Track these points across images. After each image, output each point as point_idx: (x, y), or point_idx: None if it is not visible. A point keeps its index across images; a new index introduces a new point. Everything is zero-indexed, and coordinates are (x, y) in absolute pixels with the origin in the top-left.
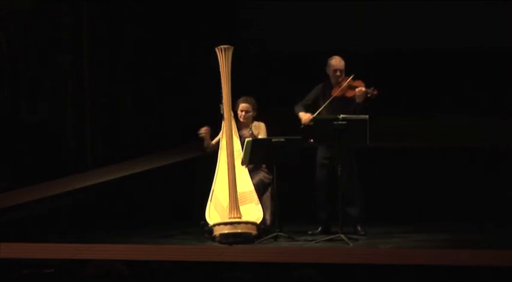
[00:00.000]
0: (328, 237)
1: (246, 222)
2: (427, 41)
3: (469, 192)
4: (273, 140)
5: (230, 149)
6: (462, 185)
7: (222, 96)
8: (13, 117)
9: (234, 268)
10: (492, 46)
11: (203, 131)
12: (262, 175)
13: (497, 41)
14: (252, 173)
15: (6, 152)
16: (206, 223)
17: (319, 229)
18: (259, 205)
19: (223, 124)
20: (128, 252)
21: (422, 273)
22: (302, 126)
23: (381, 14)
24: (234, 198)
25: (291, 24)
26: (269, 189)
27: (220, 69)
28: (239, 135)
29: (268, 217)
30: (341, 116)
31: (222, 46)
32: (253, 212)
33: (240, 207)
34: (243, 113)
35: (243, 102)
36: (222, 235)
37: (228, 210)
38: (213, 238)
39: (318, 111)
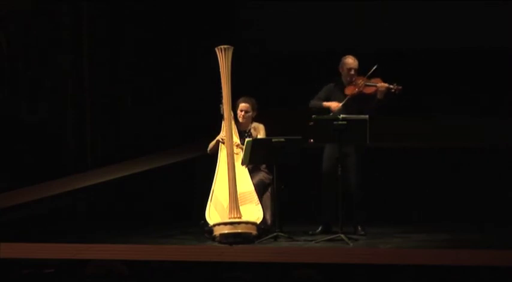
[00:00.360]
0: (328, 237)
1: (246, 222)
2: (427, 41)
3: (469, 192)
4: (273, 140)
5: (230, 149)
6: (462, 185)
7: (222, 96)
8: (13, 117)
9: (234, 268)
10: (492, 46)
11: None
12: (262, 175)
13: (497, 41)
14: (252, 173)
15: (6, 152)
16: (206, 223)
17: (320, 229)
18: (259, 205)
19: (223, 124)
20: (128, 252)
21: (422, 273)
22: (314, 116)
23: (381, 14)
24: (234, 198)
25: (291, 24)
26: (269, 189)
27: (220, 69)
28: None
29: (268, 217)
30: (341, 116)
31: (222, 46)
32: (253, 212)
33: (240, 207)
34: (243, 112)
35: (243, 102)
36: (222, 235)
37: (228, 210)
38: (213, 238)
39: (344, 100)
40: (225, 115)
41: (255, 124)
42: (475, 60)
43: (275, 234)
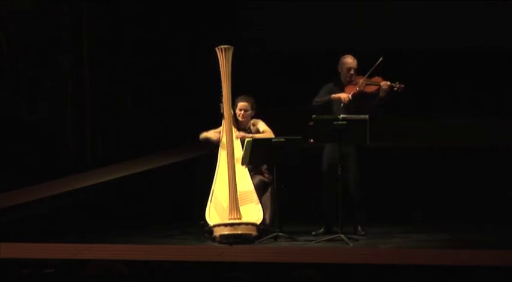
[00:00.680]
0: (328, 237)
1: (246, 223)
2: (427, 41)
3: (469, 192)
4: (273, 140)
5: (230, 148)
6: (462, 185)
7: (222, 96)
8: (13, 117)
9: (234, 268)
10: (492, 46)
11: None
12: (261, 176)
13: (497, 41)
14: (252, 173)
15: (6, 152)
16: (206, 223)
17: (322, 230)
18: (259, 205)
19: (223, 123)
20: (128, 252)
21: (422, 273)
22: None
23: (381, 14)
24: (234, 198)
25: (291, 24)
26: (269, 189)
27: (221, 69)
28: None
29: (268, 217)
30: (341, 116)
31: (222, 46)
32: (253, 212)
33: (240, 208)
34: (242, 111)
35: (242, 101)
36: (222, 236)
37: (228, 211)
38: (213, 238)
39: (353, 91)
40: (225, 115)
41: (253, 120)
42: (475, 60)
43: (275, 234)
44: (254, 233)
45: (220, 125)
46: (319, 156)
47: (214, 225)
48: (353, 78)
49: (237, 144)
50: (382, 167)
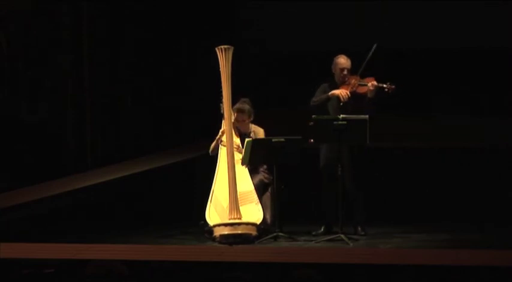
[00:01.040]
0: (328, 237)
1: (246, 223)
2: (427, 41)
3: (469, 192)
4: (273, 140)
5: (230, 148)
6: (462, 185)
7: (222, 96)
8: (13, 117)
9: (234, 268)
10: (492, 46)
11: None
12: (262, 175)
13: (497, 41)
14: (252, 173)
15: (6, 152)
16: (206, 223)
17: (322, 230)
18: (259, 205)
19: (223, 123)
20: (128, 252)
21: (422, 273)
22: (314, 116)
23: (381, 14)
24: (234, 198)
25: (291, 24)
26: (269, 189)
27: (221, 69)
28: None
29: (268, 217)
30: (341, 116)
31: (222, 46)
32: (253, 212)
33: (240, 208)
34: (239, 122)
35: (238, 112)
36: (222, 236)
37: (228, 211)
38: (213, 238)
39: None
40: (225, 115)
41: (255, 128)
42: (475, 60)
43: (275, 234)
44: (254, 232)
45: (220, 125)
46: (319, 156)
47: (214, 225)
48: (346, 79)
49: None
50: (382, 167)
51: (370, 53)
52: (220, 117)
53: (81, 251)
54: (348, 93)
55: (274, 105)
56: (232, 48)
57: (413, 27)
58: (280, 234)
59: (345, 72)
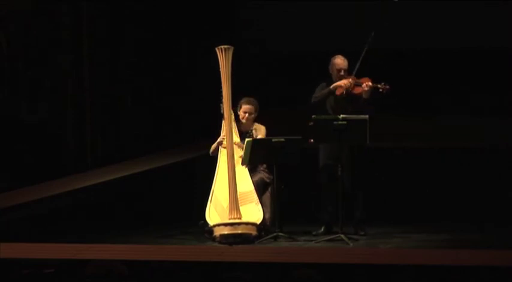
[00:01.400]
0: (328, 237)
1: (246, 223)
2: (427, 41)
3: (469, 192)
4: (273, 140)
5: (230, 149)
6: (462, 185)
7: (222, 96)
8: (13, 117)
9: (234, 268)
10: (492, 46)
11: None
12: (262, 175)
13: (497, 41)
14: (252, 172)
15: (6, 152)
16: (206, 223)
17: (322, 230)
18: (259, 205)
19: (223, 124)
20: (128, 252)
21: (422, 273)
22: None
23: (381, 14)
24: (234, 198)
25: (291, 24)
26: (269, 189)
27: (221, 69)
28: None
29: (268, 217)
30: (341, 116)
31: (222, 46)
32: (253, 212)
33: (240, 208)
34: (246, 114)
35: (246, 103)
36: (222, 236)
37: (228, 211)
38: (213, 238)
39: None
40: (225, 115)
41: (256, 125)
42: (475, 60)
43: (275, 234)
44: (254, 232)
45: (220, 125)
46: (319, 156)
47: (214, 225)
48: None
49: None
50: (382, 167)
51: (369, 40)
52: (220, 117)
53: (81, 251)
54: (350, 81)
55: (274, 105)
56: (232, 48)
57: (413, 27)
58: (280, 234)
59: (342, 72)
